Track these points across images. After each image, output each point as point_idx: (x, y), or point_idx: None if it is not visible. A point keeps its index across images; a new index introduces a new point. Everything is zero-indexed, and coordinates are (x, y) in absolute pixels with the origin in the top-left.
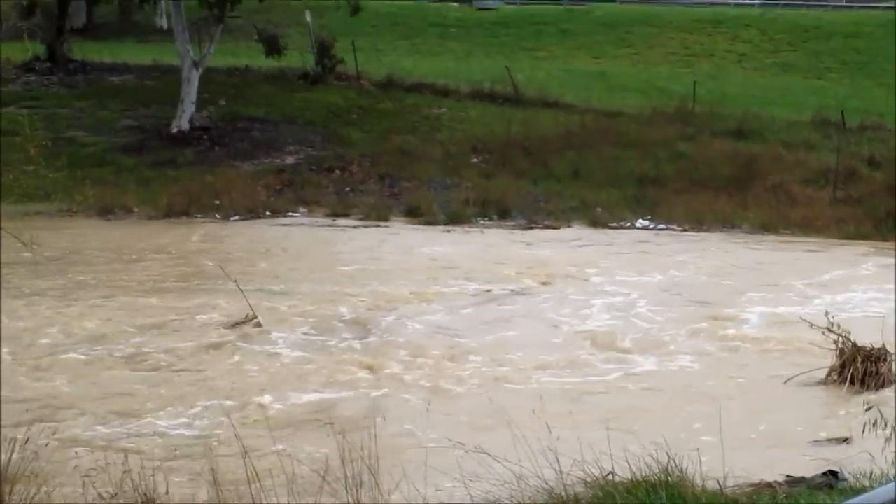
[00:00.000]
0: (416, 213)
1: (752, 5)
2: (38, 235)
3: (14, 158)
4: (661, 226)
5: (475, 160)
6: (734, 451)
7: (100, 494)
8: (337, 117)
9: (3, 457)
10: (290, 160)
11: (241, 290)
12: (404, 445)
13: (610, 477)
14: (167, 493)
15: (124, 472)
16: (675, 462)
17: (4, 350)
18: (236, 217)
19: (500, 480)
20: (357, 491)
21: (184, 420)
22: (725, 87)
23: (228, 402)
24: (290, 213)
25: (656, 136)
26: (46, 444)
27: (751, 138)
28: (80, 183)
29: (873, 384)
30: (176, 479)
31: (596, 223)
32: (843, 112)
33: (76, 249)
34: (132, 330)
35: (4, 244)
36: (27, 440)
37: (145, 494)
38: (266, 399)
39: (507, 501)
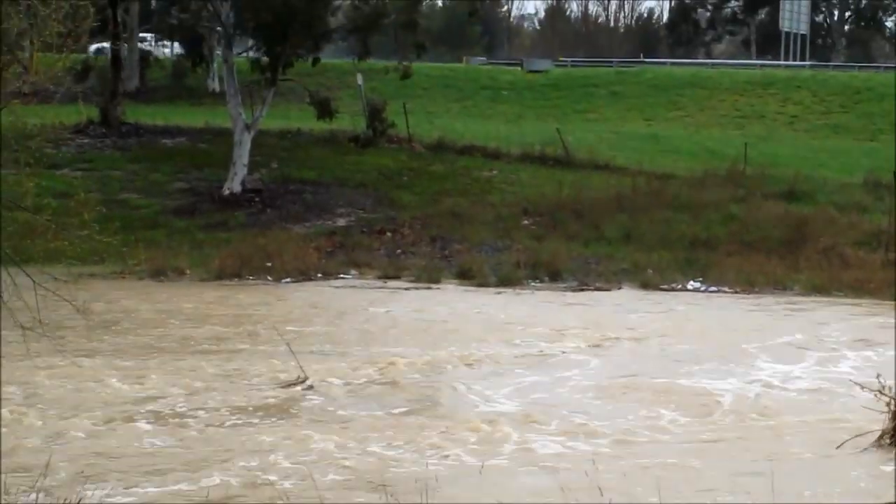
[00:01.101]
0: (467, 276)
1: (803, 67)
2: (91, 298)
3: (68, 222)
4: (713, 288)
5: (526, 222)
6: None
7: None
8: (388, 180)
9: None
10: (341, 222)
11: (292, 351)
12: None
13: None
14: None
15: None
16: None
17: (55, 411)
18: (288, 279)
19: None
20: None
21: (237, 482)
22: (777, 148)
23: (277, 464)
24: (341, 276)
25: (708, 199)
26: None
27: (802, 200)
28: (133, 246)
29: None
30: None
31: (647, 285)
32: (895, 174)
33: (128, 312)
34: (182, 391)
35: (58, 306)
36: (79, 501)
37: None
38: (317, 460)
39: None
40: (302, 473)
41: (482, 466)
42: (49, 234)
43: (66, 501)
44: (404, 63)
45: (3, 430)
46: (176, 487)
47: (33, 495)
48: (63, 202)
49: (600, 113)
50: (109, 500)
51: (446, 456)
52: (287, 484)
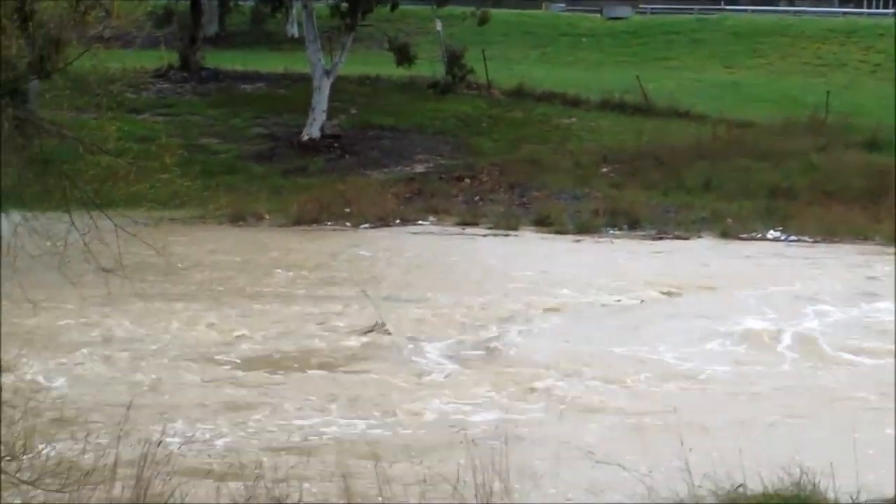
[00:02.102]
0: (545, 223)
1: (887, 15)
2: (171, 242)
3: (149, 166)
4: (793, 237)
5: (605, 170)
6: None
7: (233, 497)
8: (467, 126)
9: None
10: (419, 169)
11: (370, 297)
12: (535, 455)
13: (741, 490)
14: (300, 497)
15: (257, 476)
16: (807, 476)
17: (134, 353)
18: (366, 225)
19: (631, 492)
20: (488, 499)
21: (315, 426)
22: (859, 97)
23: (358, 409)
24: (419, 222)
25: (788, 147)
26: (179, 447)
27: (884, 150)
28: (213, 190)
29: None
30: (306, 485)
31: (726, 234)
32: None
33: (208, 256)
34: (261, 336)
35: (139, 251)
36: (160, 443)
37: (277, 498)
38: (395, 406)
39: None
40: (381, 420)
41: (561, 413)
42: (130, 178)
43: (147, 441)
44: (482, 9)
45: (84, 371)
46: (253, 430)
47: (115, 437)
48: (144, 146)
49: (680, 61)
50: (188, 440)
51: (523, 403)
52: (363, 426)
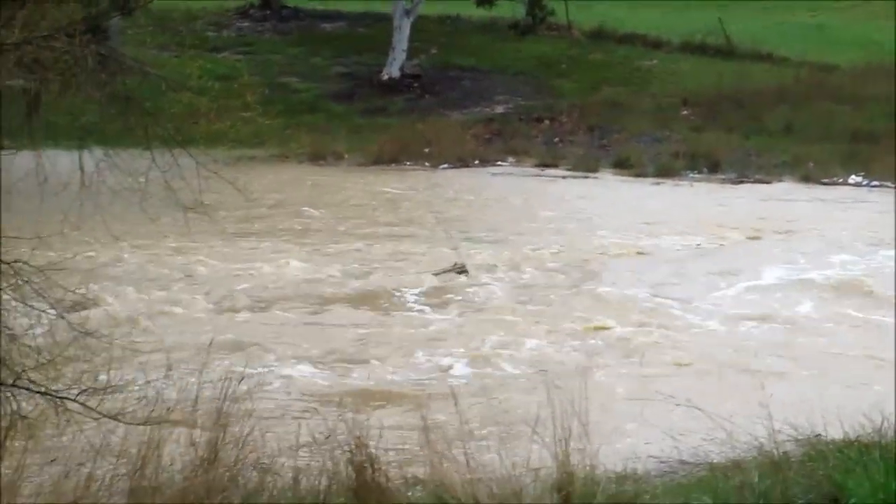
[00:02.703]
0: (624, 165)
1: None
2: (251, 180)
3: (231, 104)
4: (875, 183)
5: (685, 113)
6: None
7: (313, 437)
8: (547, 68)
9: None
10: (499, 110)
11: (450, 237)
12: (615, 398)
13: (822, 436)
14: (380, 436)
15: (338, 415)
16: (888, 422)
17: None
18: (445, 165)
19: (711, 436)
20: (566, 442)
21: (395, 367)
22: None
23: (436, 350)
24: (498, 163)
25: (872, 92)
26: (260, 386)
27: None
28: (294, 129)
29: None
30: (387, 424)
31: (808, 179)
32: None
33: (287, 195)
34: (339, 275)
35: (220, 189)
36: (241, 380)
37: (358, 438)
38: (473, 347)
39: (716, 457)
40: (459, 362)
41: (641, 357)
42: (212, 116)
43: (228, 379)
44: None
45: (166, 308)
46: (334, 370)
47: (196, 374)
48: (225, 85)
49: (763, 3)
50: (269, 379)
51: (602, 346)
52: (442, 368)
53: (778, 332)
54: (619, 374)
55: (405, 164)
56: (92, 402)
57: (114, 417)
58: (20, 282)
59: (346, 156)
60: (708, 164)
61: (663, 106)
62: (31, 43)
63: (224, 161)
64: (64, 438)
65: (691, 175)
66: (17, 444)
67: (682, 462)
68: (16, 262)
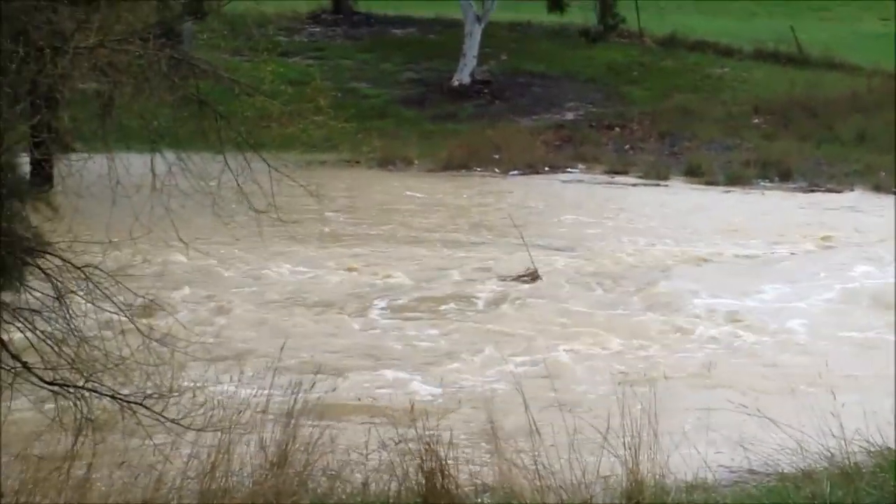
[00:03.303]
0: (695, 173)
1: None
2: (322, 185)
3: (303, 107)
4: None
5: (756, 121)
6: None
7: (382, 441)
8: (617, 75)
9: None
10: (569, 116)
11: (523, 243)
12: (685, 406)
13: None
14: (450, 441)
15: (411, 419)
16: None
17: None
18: (515, 172)
19: (781, 446)
20: (636, 450)
21: (466, 371)
22: None
23: (509, 354)
24: (568, 170)
25: None
26: (330, 391)
27: None
28: (365, 134)
29: None
30: (458, 428)
31: (880, 188)
32: None
33: (358, 199)
34: (412, 280)
35: (291, 193)
36: (312, 385)
37: (428, 443)
38: (546, 352)
39: (786, 467)
40: (531, 366)
41: (710, 364)
42: (284, 120)
43: (298, 384)
44: None
45: (236, 311)
46: (404, 375)
47: (266, 378)
48: (297, 89)
49: (835, 11)
50: (338, 384)
51: (674, 352)
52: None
53: (848, 341)
54: (689, 380)
55: (475, 170)
56: (159, 406)
57: (178, 423)
58: (91, 286)
59: (416, 161)
60: (779, 173)
61: (734, 114)
62: (105, 46)
63: (295, 165)
64: (132, 441)
65: (762, 183)
66: (86, 446)
67: (752, 472)
68: (87, 266)
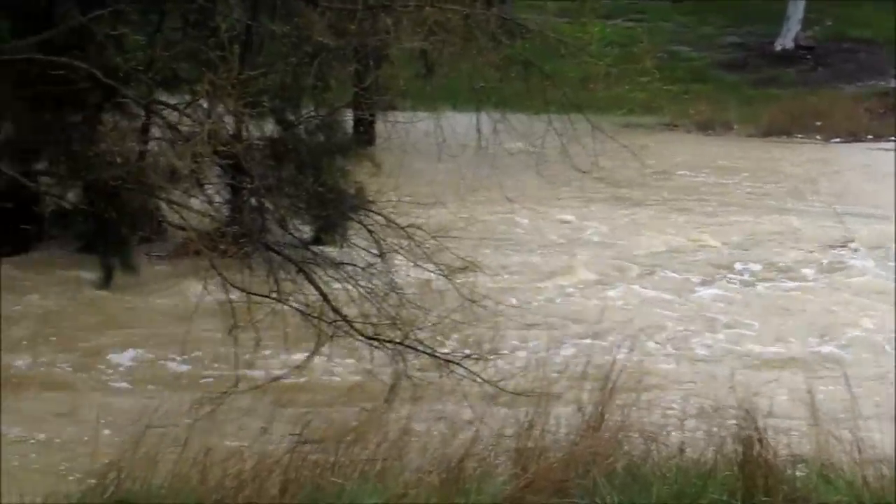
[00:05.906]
0: None
1: None
2: (642, 147)
3: (629, 68)
4: None
5: None
6: None
7: (700, 407)
8: None
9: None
10: (894, 84)
11: (837, 212)
12: None
13: None
14: (769, 412)
15: (729, 386)
16: None
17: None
18: (837, 139)
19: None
20: None
21: (776, 340)
22: None
23: (822, 327)
24: (891, 139)
25: None
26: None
27: None
28: (685, 97)
29: None
30: (778, 397)
31: None
32: None
33: (677, 163)
34: (717, 244)
35: (613, 155)
36: (631, 349)
37: (747, 411)
38: (856, 326)
39: None
40: (846, 341)
41: None
42: (609, 81)
43: (617, 349)
44: None
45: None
46: (720, 343)
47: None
48: (622, 50)
49: None
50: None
51: None
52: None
53: None
54: None
55: (795, 137)
56: (476, 368)
57: (496, 385)
58: (413, 245)
59: (736, 126)
60: None
61: None
62: (432, 5)
63: (614, 128)
64: (449, 400)
65: None
66: (400, 402)
67: None
68: (410, 226)
